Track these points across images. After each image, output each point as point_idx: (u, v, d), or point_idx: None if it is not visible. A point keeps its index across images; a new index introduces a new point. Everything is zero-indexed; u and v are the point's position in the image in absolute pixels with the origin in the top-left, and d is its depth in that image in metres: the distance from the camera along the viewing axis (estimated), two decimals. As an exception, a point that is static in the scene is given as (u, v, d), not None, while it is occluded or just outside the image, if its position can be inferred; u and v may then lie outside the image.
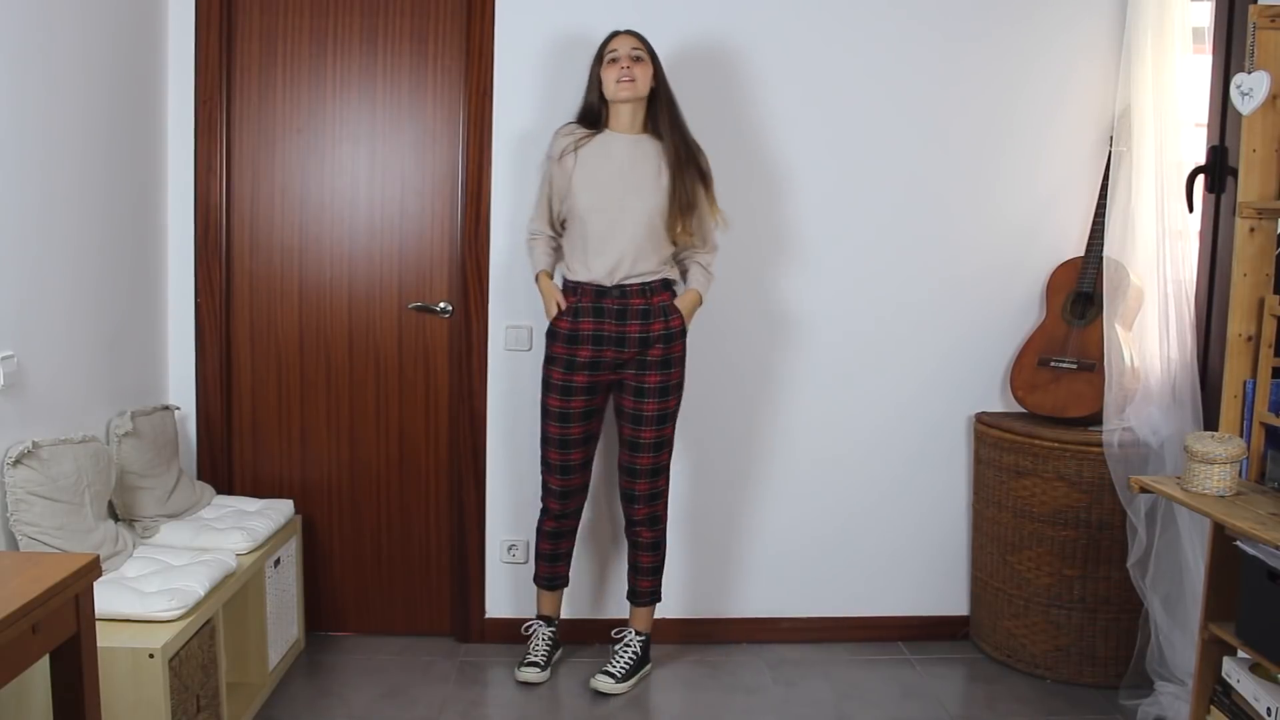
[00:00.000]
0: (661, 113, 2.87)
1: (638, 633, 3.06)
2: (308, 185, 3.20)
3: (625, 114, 2.86)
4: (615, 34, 2.86)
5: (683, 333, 2.90)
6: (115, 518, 2.69)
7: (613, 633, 3.09)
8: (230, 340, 3.22)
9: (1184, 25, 2.92)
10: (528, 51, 3.13)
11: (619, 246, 2.82)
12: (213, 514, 2.91)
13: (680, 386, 2.94)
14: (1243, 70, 2.37)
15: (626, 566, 3.08)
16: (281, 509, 3.01)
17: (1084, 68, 3.23)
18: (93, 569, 1.84)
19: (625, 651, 3.02)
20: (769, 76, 3.19)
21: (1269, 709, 2.08)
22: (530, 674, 3.00)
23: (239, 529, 2.77)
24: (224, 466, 3.23)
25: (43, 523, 2.28)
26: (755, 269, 3.25)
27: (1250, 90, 2.34)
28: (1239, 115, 2.41)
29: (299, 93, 3.18)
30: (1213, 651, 2.28)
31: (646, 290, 2.86)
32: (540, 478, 3.03)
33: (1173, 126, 2.91)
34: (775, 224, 3.24)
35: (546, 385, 2.93)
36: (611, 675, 2.95)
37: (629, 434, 2.93)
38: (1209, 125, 2.87)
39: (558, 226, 2.95)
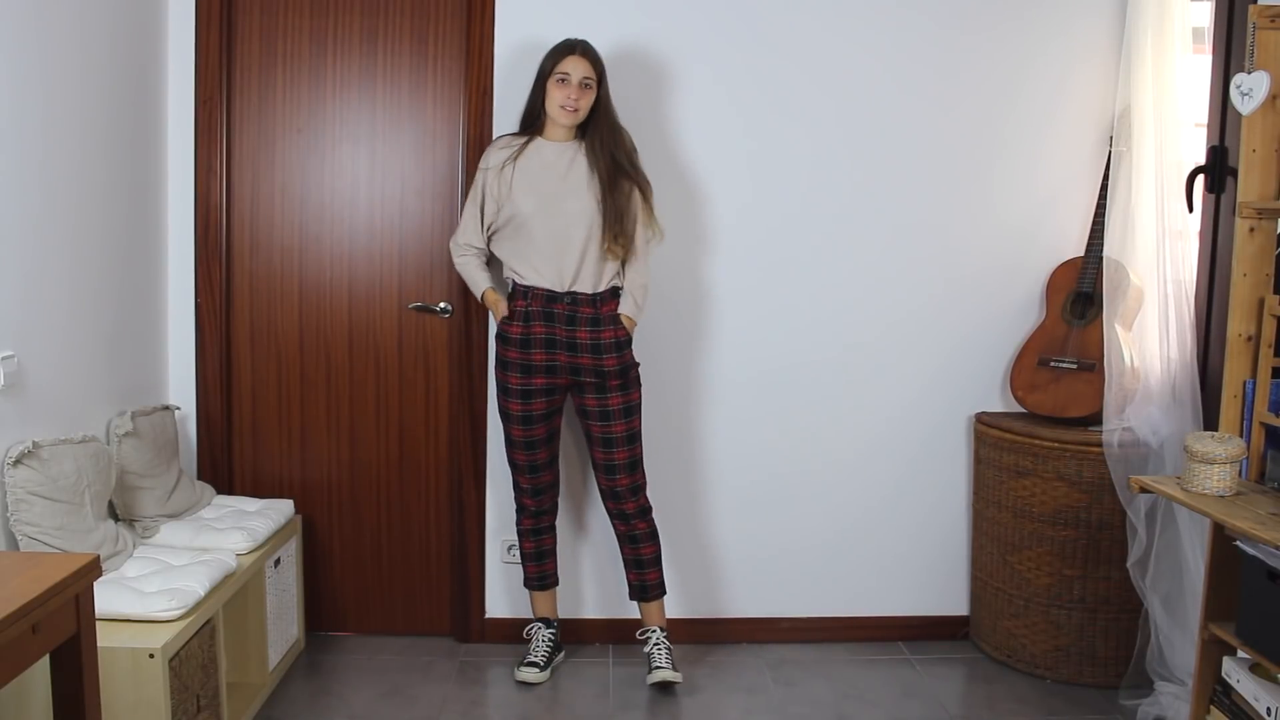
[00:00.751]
0: (597, 127, 2.86)
1: (661, 629, 3.05)
2: (308, 185, 3.20)
3: (562, 129, 2.88)
4: (571, 50, 2.82)
5: (629, 340, 2.92)
6: (115, 518, 2.69)
7: (638, 634, 3.07)
8: (230, 340, 3.22)
9: (1184, 25, 2.92)
10: (528, 52, 3.12)
11: (567, 252, 2.84)
12: (213, 514, 2.91)
13: (639, 381, 2.96)
14: (1243, 70, 2.37)
15: (625, 568, 3.07)
16: (281, 509, 3.01)
17: (1084, 68, 3.23)
18: (93, 569, 1.84)
19: (661, 650, 3.00)
20: (768, 77, 3.18)
21: (1269, 709, 2.08)
22: (529, 674, 3.01)
23: (239, 529, 2.77)
24: (224, 466, 3.23)
25: (43, 523, 2.28)
26: (757, 269, 3.25)
27: (1250, 90, 2.34)
28: (1239, 115, 2.42)
29: (299, 93, 3.18)
30: (1213, 651, 2.28)
31: (596, 300, 2.87)
32: (510, 480, 3.05)
33: (1173, 126, 2.91)
34: (777, 225, 3.24)
35: (505, 390, 2.94)
36: (666, 668, 2.95)
37: (599, 432, 2.93)
38: (1209, 125, 2.87)
39: (483, 240, 2.94)
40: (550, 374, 2.91)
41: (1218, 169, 2.79)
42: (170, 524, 2.75)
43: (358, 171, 3.21)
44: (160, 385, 3.13)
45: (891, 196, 3.25)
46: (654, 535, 3.03)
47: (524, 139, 2.90)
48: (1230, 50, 2.76)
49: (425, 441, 3.28)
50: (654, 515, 3.04)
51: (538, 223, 2.84)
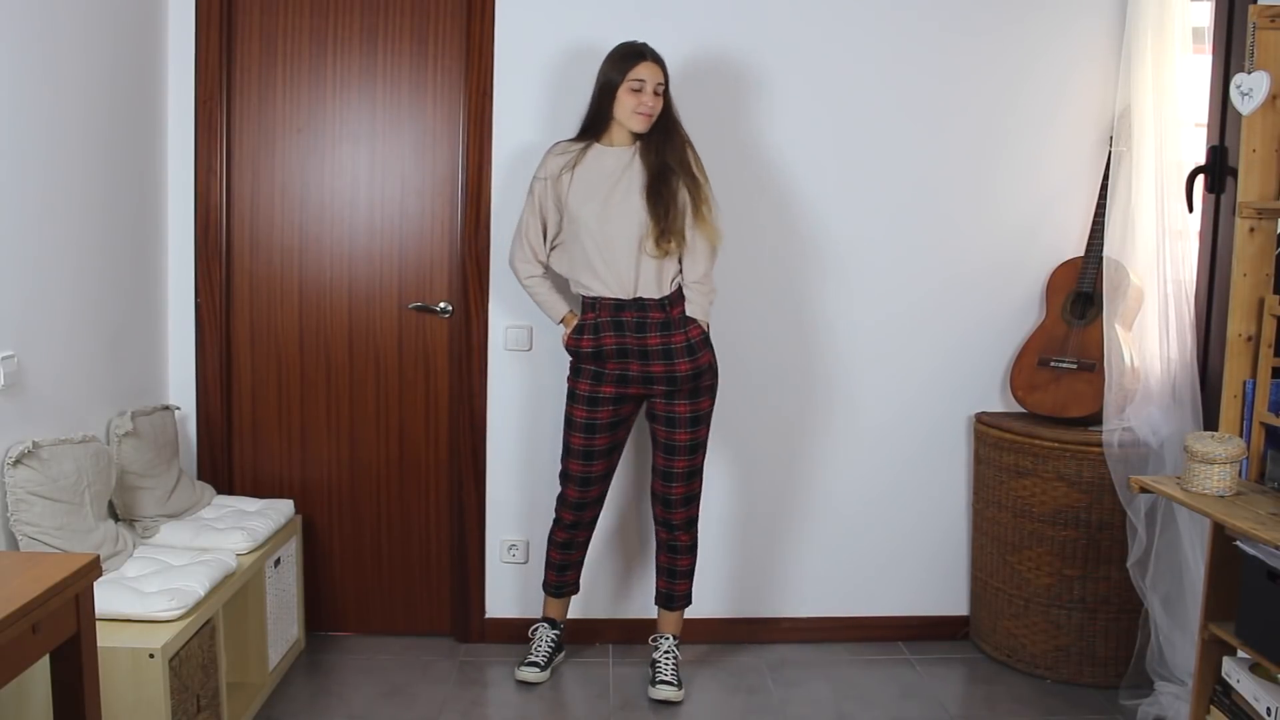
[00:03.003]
0: (653, 130, 2.83)
1: (674, 637, 3.03)
2: (308, 185, 3.20)
3: (625, 134, 2.85)
4: (643, 57, 2.79)
5: (705, 340, 2.87)
6: (115, 518, 2.69)
7: (650, 639, 3.06)
8: (230, 340, 3.22)
9: (1184, 25, 2.92)
10: (528, 52, 3.13)
11: (624, 256, 2.80)
12: (213, 514, 2.91)
13: (714, 390, 2.92)
14: (1243, 70, 2.37)
15: (657, 573, 3.04)
16: (281, 509, 3.01)
17: (1084, 68, 3.23)
18: (93, 569, 1.84)
19: (669, 659, 2.98)
20: (768, 77, 3.19)
21: (1269, 709, 2.09)
22: (530, 674, 3.00)
23: (239, 529, 2.77)
24: (224, 466, 3.23)
25: (43, 523, 2.28)
26: (756, 271, 3.25)
27: (1250, 90, 2.34)
28: (1239, 115, 2.41)
29: (299, 93, 3.18)
30: (1213, 651, 2.28)
31: (665, 303, 2.84)
32: (559, 486, 3.00)
33: (1173, 126, 2.91)
34: (775, 225, 3.24)
35: (572, 396, 2.91)
36: (671, 684, 2.92)
37: (663, 437, 2.90)
38: (1209, 125, 2.87)
39: (545, 254, 2.90)
40: (621, 384, 2.87)
41: (1218, 169, 2.79)
42: (170, 524, 2.75)
43: (358, 171, 3.21)
44: (160, 385, 3.13)
45: (891, 196, 3.25)
46: (694, 549, 3.01)
47: (581, 145, 2.86)
48: (1230, 50, 2.76)
49: (425, 442, 3.28)
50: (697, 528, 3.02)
51: (595, 228, 2.80)
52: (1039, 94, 3.24)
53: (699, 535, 3.03)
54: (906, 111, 3.23)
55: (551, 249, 2.90)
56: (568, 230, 2.86)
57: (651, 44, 2.86)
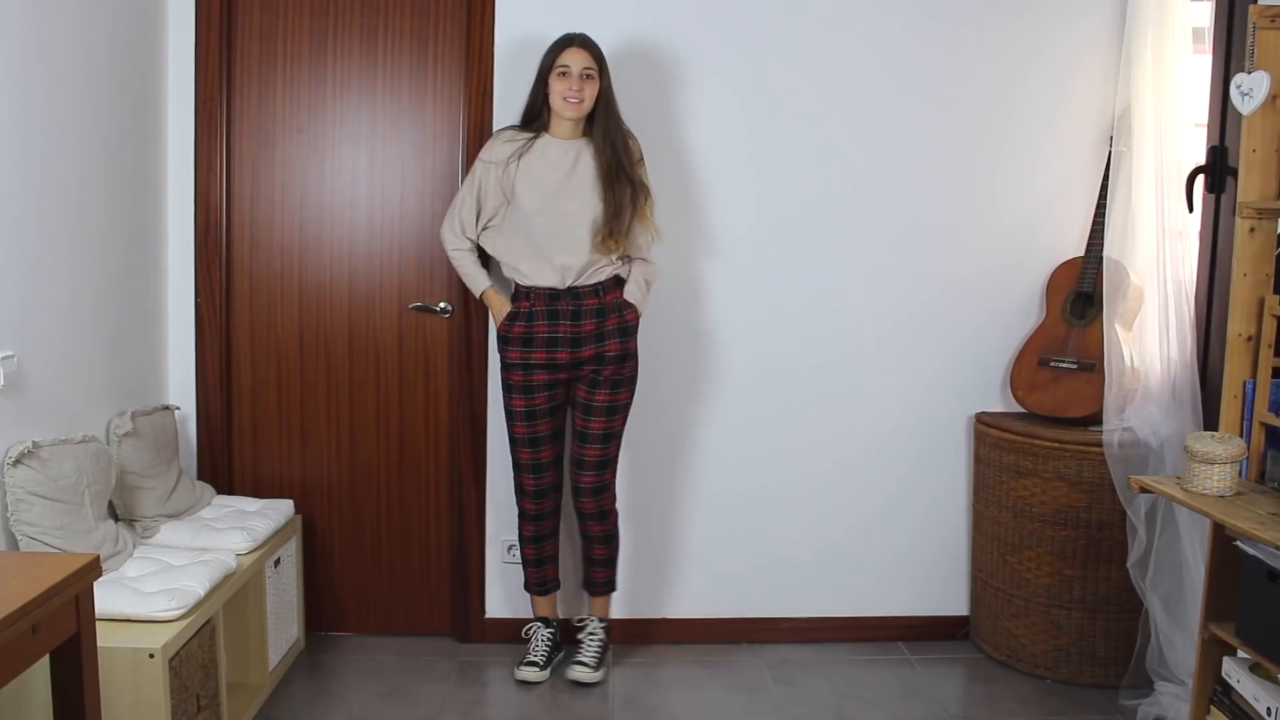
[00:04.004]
0: (602, 124, 2.85)
1: (600, 620, 3.09)
2: (308, 185, 3.20)
3: (568, 125, 2.86)
4: (569, 43, 2.82)
5: (636, 327, 2.93)
6: (115, 518, 2.69)
7: (574, 621, 3.12)
8: (230, 340, 3.22)
9: (1184, 25, 2.92)
10: (528, 52, 3.12)
11: (568, 251, 2.84)
12: (213, 514, 2.91)
13: (634, 381, 2.96)
14: (1243, 70, 2.37)
15: (581, 556, 3.12)
16: (281, 509, 3.01)
17: (1084, 68, 3.23)
18: (93, 569, 1.84)
19: (593, 641, 3.05)
20: (769, 76, 3.18)
21: (1269, 709, 2.09)
22: (529, 673, 3.01)
23: (239, 529, 2.77)
24: (224, 466, 3.23)
25: (43, 523, 2.28)
26: (758, 270, 3.25)
27: (1250, 90, 2.34)
28: (1239, 115, 2.42)
29: (299, 93, 3.18)
30: (1213, 651, 2.29)
31: (599, 289, 2.88)
32: (513, 482, 3.04)
33: (1173, 126, 2.91)
34: (777, 226, 3.24)
35: (508, 388, 2.94)
36: (587, 665, 2.99)
37: (579, 425, 2.96)
38: (1209, 125, 2.87)
39: (475, 233, 2.93)
40: (551, 370, 2.91)
41: (1218, 169, 2.79)
42: (170, 524, 2.75)
43: (358, 171, 3.21)
44: (160, 385, 3.13)
45: (891, 197, 3.25)
46: (608, 540, 3.05)
47: (529, 135, 2.88)
48: (1230, 50, 2.76)
49: (425, 441, 3.28)
50: (619, 521, 3.08)
51: (540, 222, 2.84)
52: (1039, 94, 3.24)
53: (619, 525, 3.09)
54: (905, 111, 3.22)
55: (484, 229, 2.92)
56: (511, 219, 2.87)
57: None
